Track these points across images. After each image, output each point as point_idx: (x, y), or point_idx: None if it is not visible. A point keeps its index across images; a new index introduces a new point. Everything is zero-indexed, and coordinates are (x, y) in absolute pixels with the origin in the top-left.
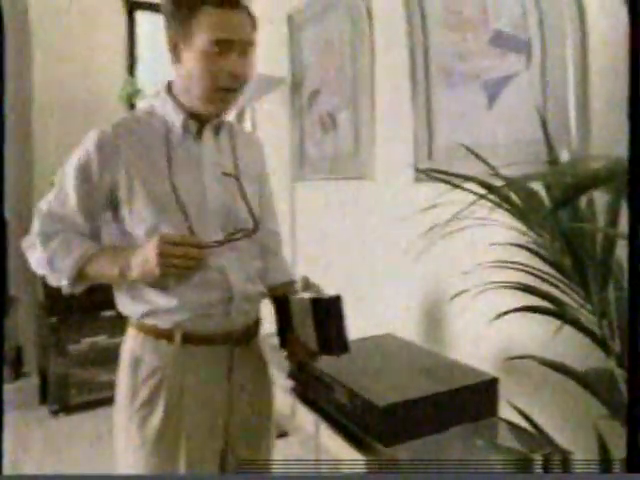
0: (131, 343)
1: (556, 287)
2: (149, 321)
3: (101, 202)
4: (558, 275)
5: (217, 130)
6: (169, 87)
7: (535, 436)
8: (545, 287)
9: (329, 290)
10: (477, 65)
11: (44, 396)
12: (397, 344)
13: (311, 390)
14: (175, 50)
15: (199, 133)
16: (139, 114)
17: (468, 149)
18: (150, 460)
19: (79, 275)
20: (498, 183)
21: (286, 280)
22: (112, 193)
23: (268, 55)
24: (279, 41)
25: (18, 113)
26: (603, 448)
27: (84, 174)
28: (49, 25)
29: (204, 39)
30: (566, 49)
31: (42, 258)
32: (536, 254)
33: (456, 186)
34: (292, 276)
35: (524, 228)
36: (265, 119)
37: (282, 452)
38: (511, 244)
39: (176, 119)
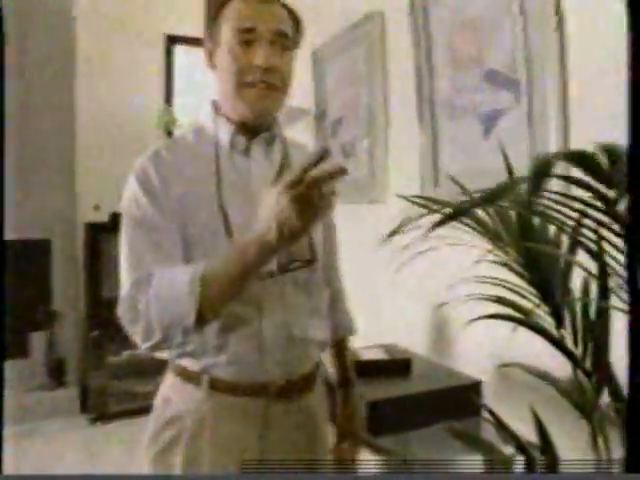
0: (164, 385)
1: (524, 297)
2: (180, 362)
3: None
4: (527, 286)
5: (269, 144)
6: (215, 105)
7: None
8: (516, 298)
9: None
10: (473, 99)
11: (84, 405)
12: (397, 351)
13: None
14: (210, 55)
15: (248, 148)
16: (185, 136)
17: (452, 178)
18: None
19: (203, 302)
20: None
21: (347, 333)
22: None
23: (295, 88)
24: (305, 75)
25: (62, 140)
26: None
27: (141, 223)
28: (92, 55)
29: (228, 31)
30: (547, 87)
31: (149, 302)
32: (510, 269)
33: (435, 211)
34: (354, 328)
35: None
36: None
37: None
38: (490, 261)
39: (224, 134)
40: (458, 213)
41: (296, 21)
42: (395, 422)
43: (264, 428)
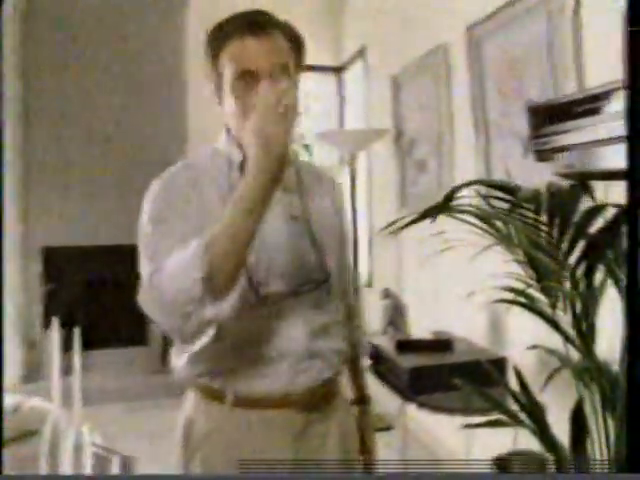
0: (186, 406)
1: (530, 286)
2: (202, 381)
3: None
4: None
5: None
6: (228, 131)
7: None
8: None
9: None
10: (515, 123)
11: None
12: (445, 335)
13: (379, 363)
14: (216, 91)
15: None
16: (202, 156)
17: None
18: None
19: (211, 266)
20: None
21: (360, 349)
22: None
23: (376, 110)
24: (385, 98)
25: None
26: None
27: (160, 217)
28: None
29: (227, 74)
30: None
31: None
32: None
33: (456, 217)
34: (365, 344)
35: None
36: (376, 162)
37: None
38: (511, 260)
39: (235, 160)
40: (411, 222)
41: (296, 41)
42: (431, 385)
43: (297, 441)
